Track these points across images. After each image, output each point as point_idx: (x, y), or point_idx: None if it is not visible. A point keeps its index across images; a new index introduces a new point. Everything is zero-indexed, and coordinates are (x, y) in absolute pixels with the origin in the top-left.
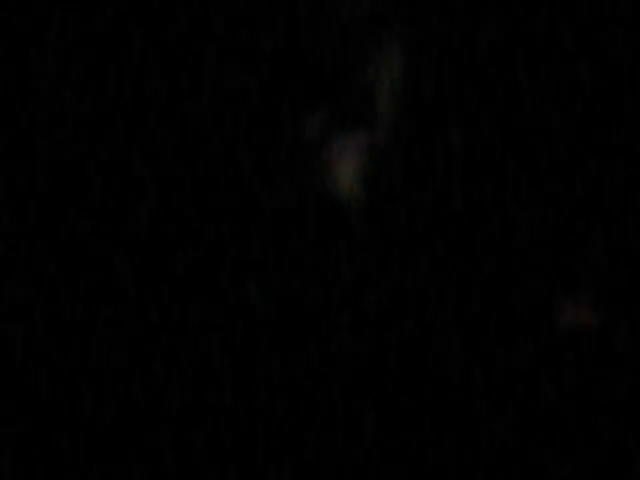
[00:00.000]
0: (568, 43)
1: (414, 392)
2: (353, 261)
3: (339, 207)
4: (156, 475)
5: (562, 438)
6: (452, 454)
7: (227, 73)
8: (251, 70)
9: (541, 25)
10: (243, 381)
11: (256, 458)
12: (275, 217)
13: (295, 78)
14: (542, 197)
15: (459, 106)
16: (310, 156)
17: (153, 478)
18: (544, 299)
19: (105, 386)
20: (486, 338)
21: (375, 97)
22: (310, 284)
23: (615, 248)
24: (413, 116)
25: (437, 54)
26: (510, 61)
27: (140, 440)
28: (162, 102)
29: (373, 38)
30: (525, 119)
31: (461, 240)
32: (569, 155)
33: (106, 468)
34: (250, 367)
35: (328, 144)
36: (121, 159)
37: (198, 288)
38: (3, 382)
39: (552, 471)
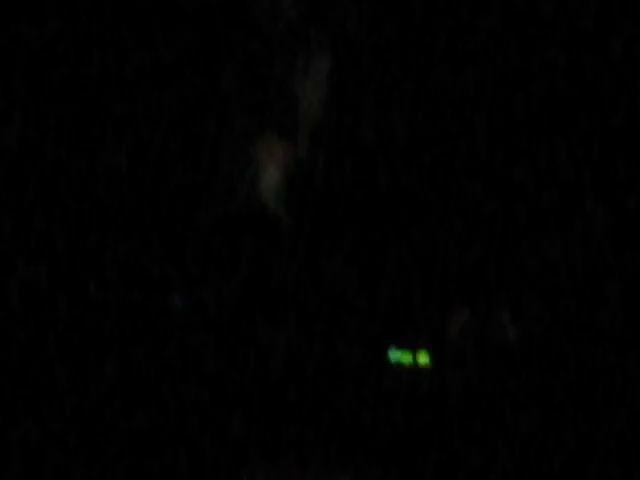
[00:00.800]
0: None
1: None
2: (280, 262)
3: (264, 210)
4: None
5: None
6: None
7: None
8: (181, 81)
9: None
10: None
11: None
12: (203, 222)
13: (223, 88)
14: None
15: (379, 115)
16: (237, 161)
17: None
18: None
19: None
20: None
21: (299, 105)
22: (236, 287)
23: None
24: (335, 124)
25: (360, 65)
26: (436, 69)
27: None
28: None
29: (298, 49)
30: (443, 132)
31: (382, 242)
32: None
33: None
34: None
35: (254, 150)
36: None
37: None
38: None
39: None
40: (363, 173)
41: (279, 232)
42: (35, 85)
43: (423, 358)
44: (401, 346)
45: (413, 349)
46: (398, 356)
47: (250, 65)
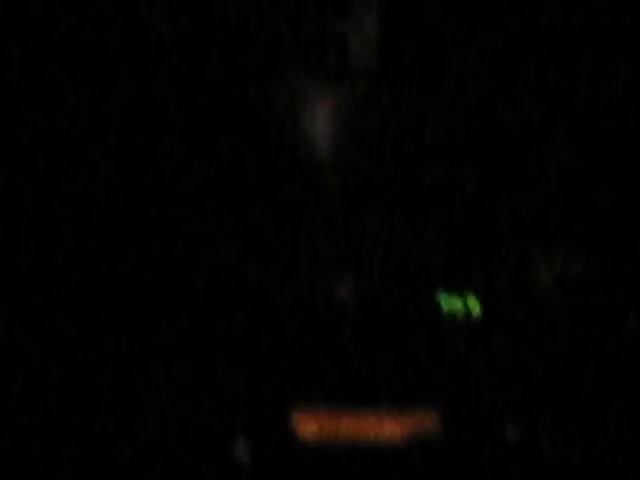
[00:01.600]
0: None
1: None
2: (335, 211)
3: (317, 160)
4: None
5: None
6: None
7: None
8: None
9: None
10: None
11: None
12: (257, 167)
13: (274, 35)
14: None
15: (432, 63)
16: (289, 109)
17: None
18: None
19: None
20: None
21: (351, 51)
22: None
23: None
24: (388, 70)
25: (411, 12)
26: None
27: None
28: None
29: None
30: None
31: (438, 196)
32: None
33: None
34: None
35: (306, 97)
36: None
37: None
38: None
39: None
40: (418, 122)
41: (331, 182)
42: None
43: (474, 304)
44: (451, 291)
45: (464, 294)
46: (449, 302)
47: (301, 10)
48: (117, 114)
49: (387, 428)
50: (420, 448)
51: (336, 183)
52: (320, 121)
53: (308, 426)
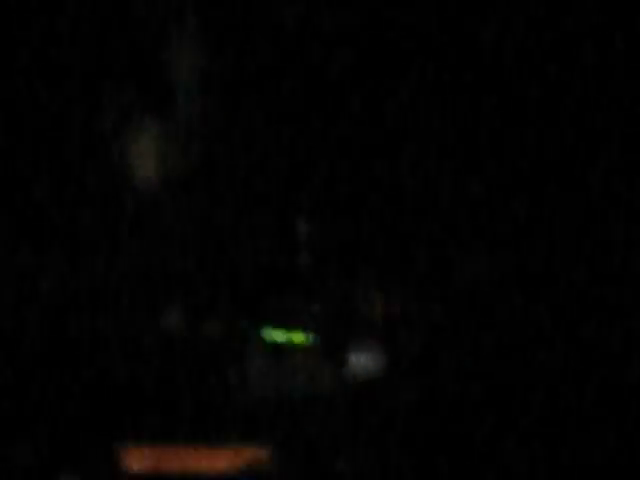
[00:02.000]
0: None
1: None
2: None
3: (141, 190)
4: None
5: None
6: None
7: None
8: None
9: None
10: None
11: None
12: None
13: (100, 64)
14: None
15: (252, 97)
16: (113, 141)
17: None
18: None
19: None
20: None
21: (175, 85)
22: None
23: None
24: (210, 103)
25: (235, 48)
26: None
27: None
28: None
29: (176, 30)
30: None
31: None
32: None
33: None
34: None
35: (130, 129)
36: None
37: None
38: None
39: None
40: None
41: (156, 210)
42: None
43: (298, 337)
44: (276, 325)
45: (288, 328)
46: (275, 335)
47: (128, 46)
48: None
49: (218, 462)
50: None
51: (162, 208)
52: (146, 145)
53: (136, 461)
